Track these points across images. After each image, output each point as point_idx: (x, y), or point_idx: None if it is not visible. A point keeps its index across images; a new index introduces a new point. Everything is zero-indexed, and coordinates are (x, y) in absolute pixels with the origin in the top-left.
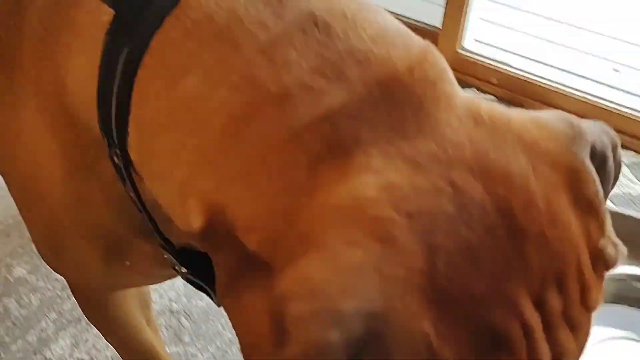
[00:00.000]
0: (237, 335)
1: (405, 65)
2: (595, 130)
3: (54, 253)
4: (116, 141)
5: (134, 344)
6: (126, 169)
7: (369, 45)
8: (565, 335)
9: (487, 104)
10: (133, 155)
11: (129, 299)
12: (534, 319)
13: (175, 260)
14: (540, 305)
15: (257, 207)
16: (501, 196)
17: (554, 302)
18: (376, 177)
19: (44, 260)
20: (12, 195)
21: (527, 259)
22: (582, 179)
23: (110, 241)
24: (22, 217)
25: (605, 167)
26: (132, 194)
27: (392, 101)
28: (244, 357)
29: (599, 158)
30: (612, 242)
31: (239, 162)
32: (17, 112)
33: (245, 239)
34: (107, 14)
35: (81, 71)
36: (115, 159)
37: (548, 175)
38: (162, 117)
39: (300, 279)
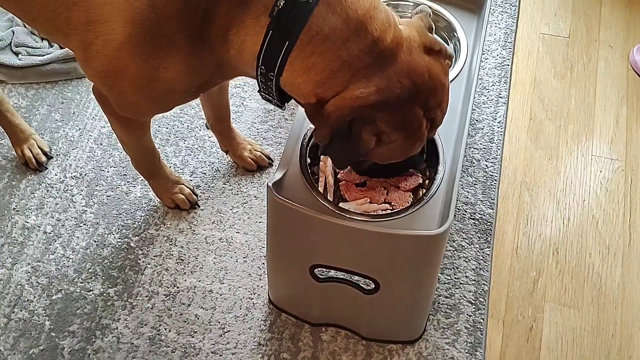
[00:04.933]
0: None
1: (382, 29)
2: (426, 15)
3: (159, 105)
4: (275, 72)
5: (149, 149)
6: (276, 79)
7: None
8: (440, 116)
9: (407, 37)
10: (283, 77)
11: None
12: (421, 115)
13: (268, 96)
14: (426, 110)
15: (328, 90)
16: (412, 79)
17: (434, 108)
18: (366, 85)
19: (129, 113)
20: (130, 93)
21: (423, 95)
22: (433, 43)
23: (200, 87)
24: (134, 99)
25: (433, 27)
26: (273, 88)
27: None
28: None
29: (429, 28)
30: (450, 55)
31: (320, 81)
32: (189, 52)
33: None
34: (266, 21)
35: (247, 43)
36: (270, 76)
37: (422, 54)
38: (301, 69)
39: (337, 102)
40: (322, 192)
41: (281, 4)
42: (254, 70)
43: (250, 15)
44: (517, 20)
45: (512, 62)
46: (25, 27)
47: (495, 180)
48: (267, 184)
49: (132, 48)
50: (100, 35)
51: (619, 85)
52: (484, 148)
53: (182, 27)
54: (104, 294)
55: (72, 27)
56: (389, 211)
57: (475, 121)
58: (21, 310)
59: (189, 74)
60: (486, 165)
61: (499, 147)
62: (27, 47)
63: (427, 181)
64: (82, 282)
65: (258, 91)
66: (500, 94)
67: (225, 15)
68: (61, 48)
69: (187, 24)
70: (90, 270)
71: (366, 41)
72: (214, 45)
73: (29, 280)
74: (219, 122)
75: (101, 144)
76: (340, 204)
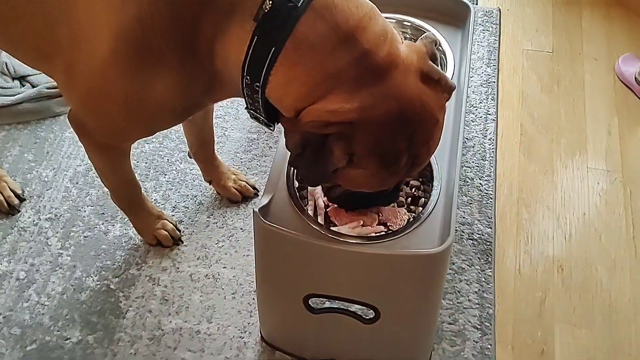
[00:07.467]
0: (285, 137)
1: (375, 43)
2: (431, 42)
3: (146, 128)
4: (261, 82)
5: (130, 180)
6: (262, 91)
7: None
8: (426, 155)
9: (404, 58)
10: (268, 88)
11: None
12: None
13: (255, 113)
14: (411, 145)
15: (307, 102)
16: (401, 105)
17: (420, 144)
18: (348, 100)
19: (111, 138)
20: (125, 113)
21: (410, 125)
22: (432, 71)
23: (188, 109)
24: (119, 121)
25: (437, 56)
26: (259, 99)
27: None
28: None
29: (432, 55)
30: (450, 88)
31: (304, 91)
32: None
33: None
34: (252, 26)
35: (232, 53)
36: (256, 87)
37: (418, 80)
38: (284, 80)
39: (313, 112)
40: (312, 215)
41: (267, 7)
42: (241, 83)
43: (235, 21)
44: (499, 38)
45: (498, 79)
46: None
47: (491, 198)
48: (253, 210)
49: (117, 65)
50: (85, 53)
51: (607, 97)
52: (477, 166)
53: (170, 41)
54: (83, 342)
55: (56, 48)
56: (385, 232)
57: (466, 139)
58: None
59: (178, 91)
60: (480, 184)
61: (491, 165)
62: None
63: (422, 198)
64: (58, 331)
65: (245, 108)
66: (488, 111)
67: (212, 25)
68: (33, 87)
69: (175, 38)
70: (67, 317)
71: (355, 52)
72: (202, 59)
73: (0, 331)
74: (203, 149)
75: (77, 183)
76: (332, 228)
